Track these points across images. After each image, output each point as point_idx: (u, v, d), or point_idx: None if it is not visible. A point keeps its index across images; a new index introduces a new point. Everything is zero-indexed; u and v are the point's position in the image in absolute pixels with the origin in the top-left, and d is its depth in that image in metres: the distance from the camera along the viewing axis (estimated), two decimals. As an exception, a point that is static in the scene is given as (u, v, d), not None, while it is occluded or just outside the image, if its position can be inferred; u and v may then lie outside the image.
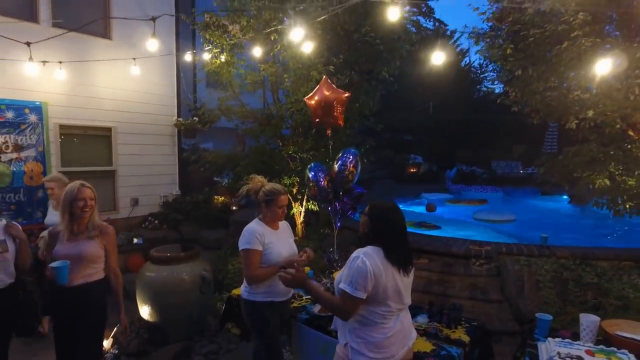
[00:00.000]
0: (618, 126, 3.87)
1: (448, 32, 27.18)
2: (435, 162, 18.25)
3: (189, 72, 8.32)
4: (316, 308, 3.12)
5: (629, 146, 3.94)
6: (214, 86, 7.34)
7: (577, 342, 2.61)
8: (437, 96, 18.47)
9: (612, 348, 2.51)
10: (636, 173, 3.83)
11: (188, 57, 6.05)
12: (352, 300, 2.03)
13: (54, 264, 2.62)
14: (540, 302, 4.05)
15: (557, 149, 14.74)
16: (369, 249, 2.10)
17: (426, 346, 2.63)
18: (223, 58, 5.59)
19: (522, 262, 4.45)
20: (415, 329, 2.85)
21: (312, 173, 3.70)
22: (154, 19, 3.97)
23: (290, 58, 5.22)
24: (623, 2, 3.38)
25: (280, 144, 6.22)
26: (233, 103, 6.21)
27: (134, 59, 6.09)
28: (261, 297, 2.79)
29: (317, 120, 3.70)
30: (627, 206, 3.76)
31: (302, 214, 6.14)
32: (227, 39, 5.71)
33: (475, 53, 4.62)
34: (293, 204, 6.03)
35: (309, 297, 3.35)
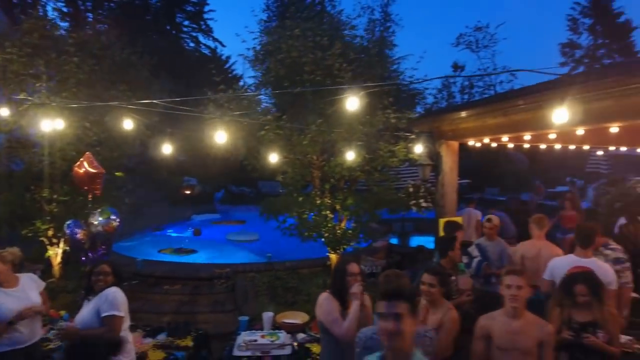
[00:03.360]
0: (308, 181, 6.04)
1: (224, 57, 28.92)
2: (209, 184, 19.57)
3: None
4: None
5: (311, 194, 6.14)
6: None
7: (258, 331, 4.23)
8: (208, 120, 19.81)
9: (276, 331, 4.21)
10: (315, 214, 6.02)
11: None
12: (121, 320, 3.05)
13: None
14: (259, 306, 5.73)
15: None
16: (115, 287, 3.18)
17: (160, 355, 3.75)
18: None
19: (248, 278, 6.11)
20: (154, 345, 3.97)
21: (69, 230, 4.31)
22: None
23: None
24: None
25: (34, 187, 6.19)
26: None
27: None
28: (2, 348, 3.27)
29: (85, 188, 4.33)
30: (307, 234, 5.89)
31: (60, 255, 6.28)
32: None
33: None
34: (49, 247, 6.13)
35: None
